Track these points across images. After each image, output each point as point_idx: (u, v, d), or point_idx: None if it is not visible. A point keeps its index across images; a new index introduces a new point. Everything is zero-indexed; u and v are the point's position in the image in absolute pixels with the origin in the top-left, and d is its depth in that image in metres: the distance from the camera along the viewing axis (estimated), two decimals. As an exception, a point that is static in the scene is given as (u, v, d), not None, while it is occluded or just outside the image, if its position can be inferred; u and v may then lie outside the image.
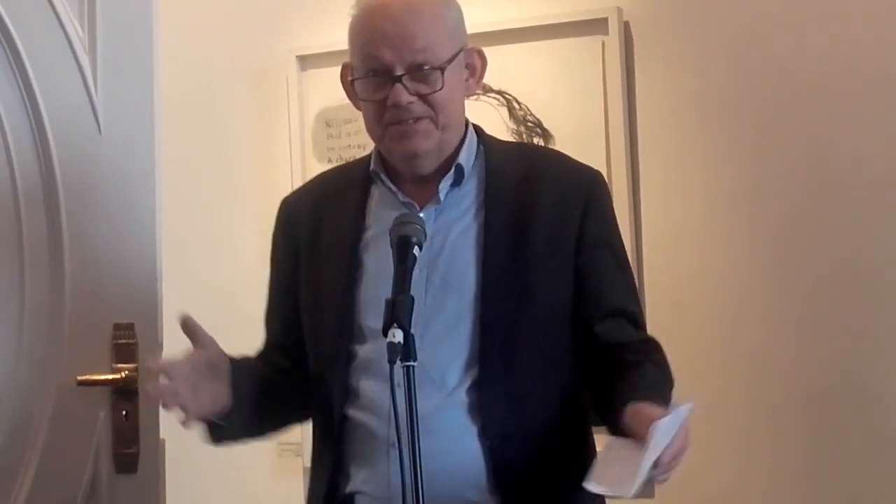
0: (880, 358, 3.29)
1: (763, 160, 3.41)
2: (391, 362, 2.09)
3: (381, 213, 2.54)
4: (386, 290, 2.29)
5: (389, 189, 2.55)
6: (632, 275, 2.64)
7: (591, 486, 2.12)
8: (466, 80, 2.54)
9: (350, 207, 2.58)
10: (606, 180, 2.67)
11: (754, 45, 3.43)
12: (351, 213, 2.57)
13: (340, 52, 3.83)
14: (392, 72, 2.42)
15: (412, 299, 2.17)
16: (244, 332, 4.08)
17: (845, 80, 3.32)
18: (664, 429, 2.12)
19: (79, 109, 3.03)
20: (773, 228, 3.40)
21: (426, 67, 2.42)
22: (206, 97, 4.06)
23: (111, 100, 3.04)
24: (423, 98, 2.43)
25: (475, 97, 3.58)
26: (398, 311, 2.12)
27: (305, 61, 3.91)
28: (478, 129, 2.63)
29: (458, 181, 2.52)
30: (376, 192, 2.58)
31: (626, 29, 3.54)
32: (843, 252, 3.33)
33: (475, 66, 2.55)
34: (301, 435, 3.80)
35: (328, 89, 3.85)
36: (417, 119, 2.45)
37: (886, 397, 3.28)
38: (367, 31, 2.47)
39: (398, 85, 2.42)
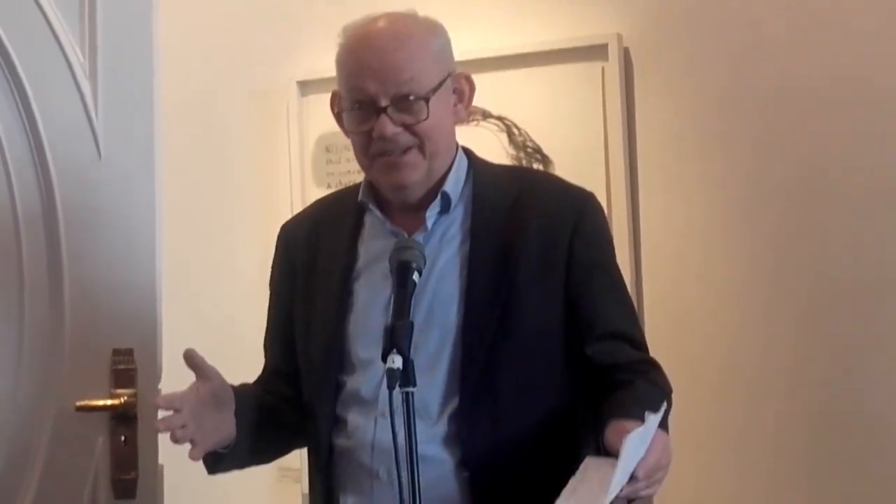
0: (881, 376, 3.29)
1: (763, 184, 3.42)
2: (390, 388, 2.08)
3: (371, 243, 2.56)
4: (375, 321, 2.31)
5: (378, 217, 2.55)
6: (628, 295, 2.62)
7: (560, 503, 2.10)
8: (455, 106, 2.52)
9: (343, 236, 2.58)
10: (601, 202, 2.64)
11: (753, 71, 3.43)
12: (344, 242, 2.57)
13: (340, 78, 3.86)
14: (377, 103, 2.41)
15: (412, 325, 2.16)
16: (244, 359, 4.08)
17: (842, 102, 3.33)
18: (635, 441, 2.10)
19: (79, 134, 3.03)
20: (772, 250, 3.41)
21: (411, 97, 2.40)
22: (207, 122, 4.06)
23: (112, 125, 3.04)
24: (409, 128, 2.42)
25: (475, 123, 3.59)
26: (397, 336, 2.12)
27: (306, 87, 3.92)
28: (469, 153, 2.62)
29: (445, 208, 2.52)
30: (368, 221, 2.59)
31: (625, 55, 3.55)
32: (842, 270, 3.33)
33: (463, 91, 2.54)
34: (300, 461, 3.79)
35: (328, 115, 3.82)
36: (404, 150, 2.44)
37: (886, 416, 3.28)
38: (351, 63, 2.46)
39: (383, 116, 2.41)
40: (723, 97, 3.47)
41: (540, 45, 3.62)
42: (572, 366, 2.47)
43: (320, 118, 3.87)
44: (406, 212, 2.53)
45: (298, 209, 3.83)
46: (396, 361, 2.09)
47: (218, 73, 4.06)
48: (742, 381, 3.41)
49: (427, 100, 2.41)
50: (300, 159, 3.92)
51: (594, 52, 3.56)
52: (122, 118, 3.05)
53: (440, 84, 2.44)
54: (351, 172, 3.83)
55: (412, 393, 2.09)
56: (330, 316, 2.52)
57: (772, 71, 3.41)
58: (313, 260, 2.61)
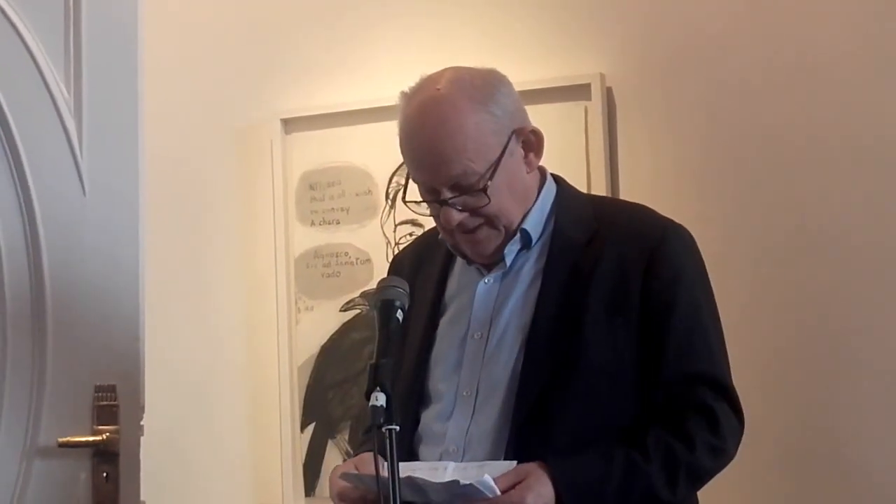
0: (852, 415, 3.30)
1: (742, 223, 3.43)
2: (374, 426, 2.08)
3: (459, 277, 2.56)
4: (451, 353, 2.36)
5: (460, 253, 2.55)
6: (714, 333, 2.50)
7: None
8: (526, 157, 2.47)
9: (436, 269, 2.58)
10: (683, 235, 2.55)
11: (736, 111, 3.45)
12: (435, 275, 2.57)
13: (324, 116, 3.89)
14: (438, 196, 2.41)
15: (392, 362, 2.16)
16: (227, 393, 4.10)
17: (822, 148, 3.35)
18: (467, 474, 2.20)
19: (64, 171, 3.03)
20: (750, 290, 3.41)
21: (473, 189, 2.38)
22: (191, 159, 4.07)
23: (96, 162, 3.04)
24: (475, 211, 2.41)
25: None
26: (381, 375, 2.12)
27: (289, 124, 3.92)
28: (559, 183, 2.58)
29: (526, 245, 2.49)
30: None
31: (608, 95, 3.56)
32: (817, 313, 3.35)
33: (531, 143, 2.48)
34: (282, 495, 3.79)
35: (312, 152, 3.88)
36: (475, 228, 2.43)
37: (858, 454, 3.29)
38: (407, 152, 2.45)
39: (446, 207, 2.40)
40: (705, 138, 3.49)
41: (522, 84, 3.58)
42: (644, 411, 2.40)
43: (304, 155, 3.89)
44: None
45: (282, 246, 3.86)
46: (380, 399, 2.09)
47: (202, 111, 4.06)
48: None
49: (485, 189, 2.38)
50: (284, 197, 3.92)
51: (577, 91, 3.57)
52: (107, 155, 3.05)
53: (500, 156, 2.40)
54: (335, 210, 3.84)
55: (395, 430, 2.08)
56: (415, 348, 2.51)
57: (753, 114, 3.43)
58: (412, 291, 2.55)
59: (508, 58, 3.68)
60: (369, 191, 3.81)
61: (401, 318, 2.26)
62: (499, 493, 2.20)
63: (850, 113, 3.33)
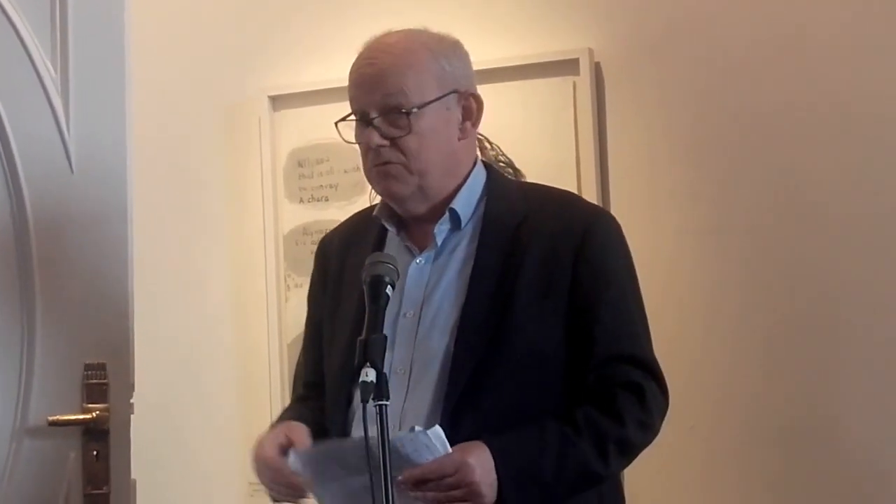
0: (847, 392, 3.31)
1: (731, 199, 3.43)
2: (364, 401, 2.09)
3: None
4: (386, 331, 2.31)
5: (394, 231, 2.57)
6: (636, 313, 2.55)
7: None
8: (463, 123, 2.52)
9: (366, 250, 2.57)
10: (610, 222, 2.59)
11: (723, 86, 3.45)
12: (366, 256, 2.54)
13: (312, 93, 3.88)
14: (367, 114, 2.45)
15: (385, 338, 2.18)
16: (216, 371, 4.10)
17: (811, 120, 3.35)
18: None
19: (51, 149, 3.02)
20: (740, 266, 3.42)
21: (400, 110, 2.43)
22: (179, 137, 4.06)
23: (83, 139, 3.04)
24: (395, 142, 2.44)
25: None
26: (371, 350, 2.13)
27: (277, 101, 3.92)
28: (489, 169, 2.62)
29: (456, 225, 2.52)
30: (390, 236, 2.59)
31: (597, 70, 3.56)
32: (809, 288, 3.36)
33: (470, 110, 2.54)
34: (273, 475, 3.78)
35: (300, 129, 3.87)
36: (388, 161, 2.46)
37: (853, 432, 3.30)
38: (352, 76, 2.51)
39: (370, 127, 2.45)
40: (694, 113, 3.49)
41: (512, 59, 3.63)
42: (574, 392, 2.44)
43: (292, 133, 3.88)
44: (421, 227, 2.54)
45: (270, 224, 3.86)
46: (370, 375, 2.10)
47: (189, 88, 4.06)
48: (709, 395, 3.42)
49: (408, 113, 2.43)
50: (272, 174, 3.91)
51: (566, 66, 3.57)
52: (94, 133, 3.05)
53: (436, 100, 2.46)
54: (323, 187, 3.84)
55: (386, 406, 2.09)
56: (348, 328, 2.51)
57: (743, 88, 3.43)
58: (341, 272, 2.62)
59: (496, 33, 3.69)
60: (357, 167, 3.79)
61: (390, 293, 2.27)
62: (449, 448, 2.23)
63: (841, 88, 3.33)
